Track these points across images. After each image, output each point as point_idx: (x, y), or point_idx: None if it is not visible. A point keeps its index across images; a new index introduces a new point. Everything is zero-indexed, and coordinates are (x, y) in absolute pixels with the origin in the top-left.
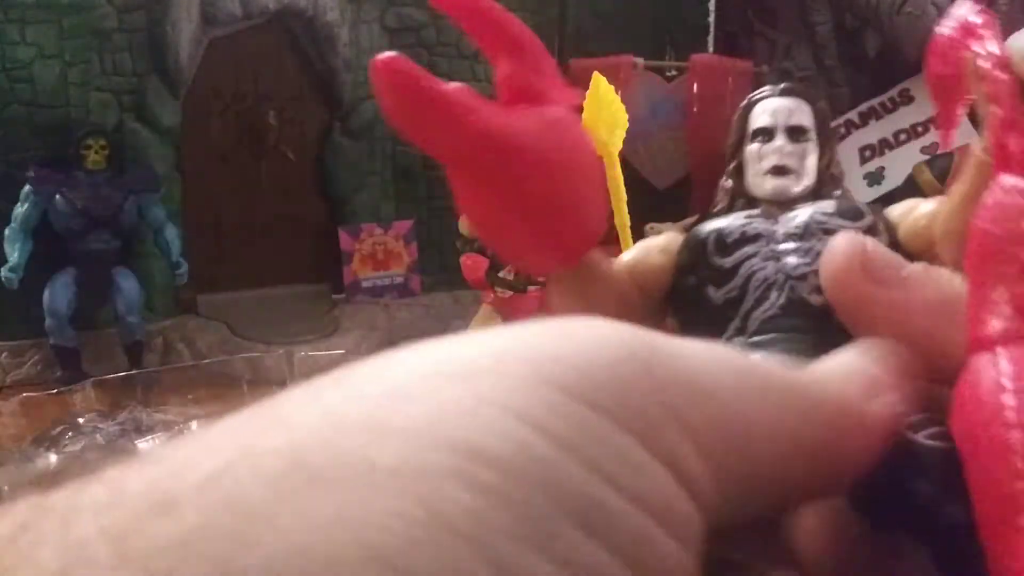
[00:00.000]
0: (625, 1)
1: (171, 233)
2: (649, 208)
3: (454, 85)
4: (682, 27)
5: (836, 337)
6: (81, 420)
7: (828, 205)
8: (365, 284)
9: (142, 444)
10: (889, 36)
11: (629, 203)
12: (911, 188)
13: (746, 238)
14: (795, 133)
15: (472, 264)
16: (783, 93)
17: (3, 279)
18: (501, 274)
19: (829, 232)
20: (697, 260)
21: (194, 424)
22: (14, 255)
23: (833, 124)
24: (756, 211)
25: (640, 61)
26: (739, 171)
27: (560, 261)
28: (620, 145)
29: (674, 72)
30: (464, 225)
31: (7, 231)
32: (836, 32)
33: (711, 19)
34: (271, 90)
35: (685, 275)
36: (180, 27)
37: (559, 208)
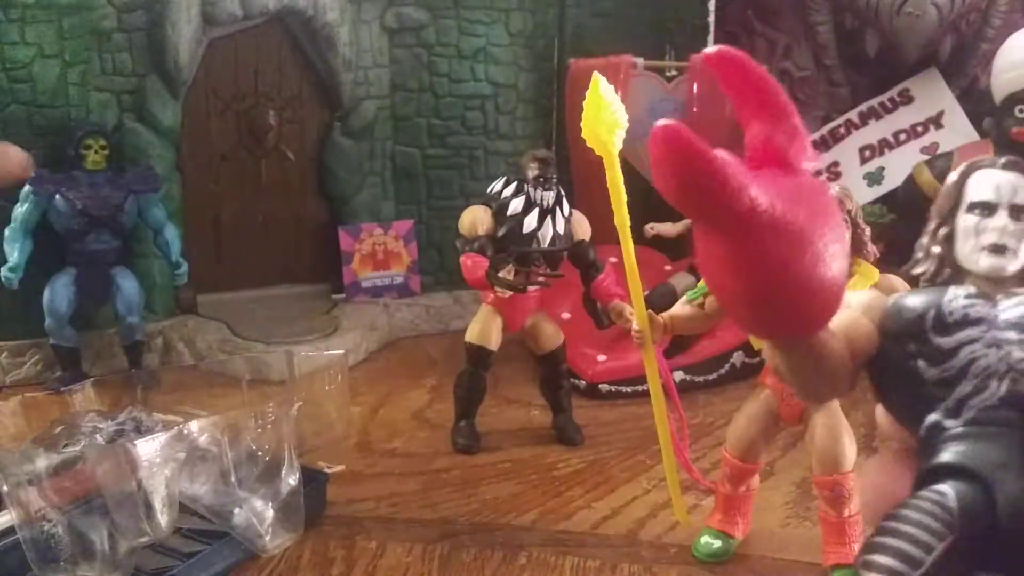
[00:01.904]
0: (625, 1)
1: (171, 233)
2: (649, 208)
3: (728, 157)
4: (682, 27)
5: None
6: (81, 420)
7: None
8: (365, 284)
9: (142, 444)
10: (889, 36)
11: (629, 203)
12: (911, 188)
13: (968, 321)
14: (1018, 212)
15: (472, 264)
16: (1006, 167)
17: (3, 279)
18: (501, 274)
19: None
20: (912, 334)
21: (194, 424)
22: (14, 255)
23: (833, 124)
24: (974, 291)
25: (640, 61)
26: (949, 239)
27: (805, 329)
28: (620, 145)
29: (674, 72)
30: (464, 224)
31: (7, 231)
32: (836, 32)
33: (711, 19)
34: (271, 90)
35: (895, 343)
36: (180, 27)
37: (810, 279)
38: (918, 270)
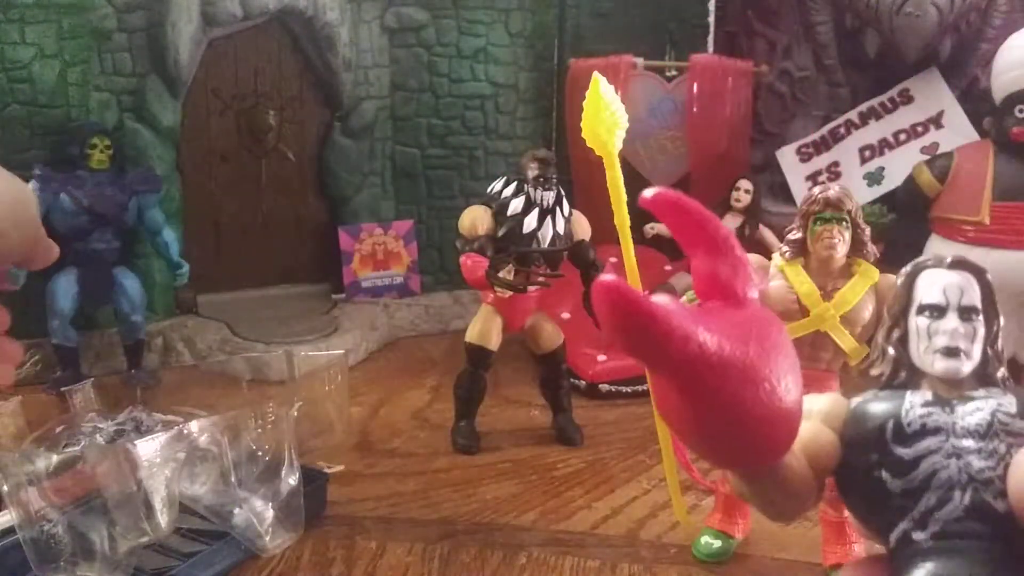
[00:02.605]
0: (625, 1)
1: (169, 235)
2: None
3: (667, 302)
4: (682, 27)
5: (1021, 542)
6: (81, 420)
7: (1009, 403)
8: (365, 284)
9: (142, 444)
10: (889, 36)
11: (629, 203)
12: (911, 188)
13: (926, 431)
14: (967, 313)
15: (472, 264)
16: (952, 267)
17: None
18: (501, 274)
19: (1012, 435)
20: (872, 443)
21: (194, 424)
22: None
23: (833, 124)
24: (930, 397)
25: (640, 61)
26: (903, 340)
27: (763, 461)
28: (620, 145)
29: (674, 72)
30: (464, 224)
31: None
32: (836, 32)
33: (711, 19)
34: (271, 90)
35: (857, 453)
36: (180, 27)
37: (766, 415)
38: (875, 371)
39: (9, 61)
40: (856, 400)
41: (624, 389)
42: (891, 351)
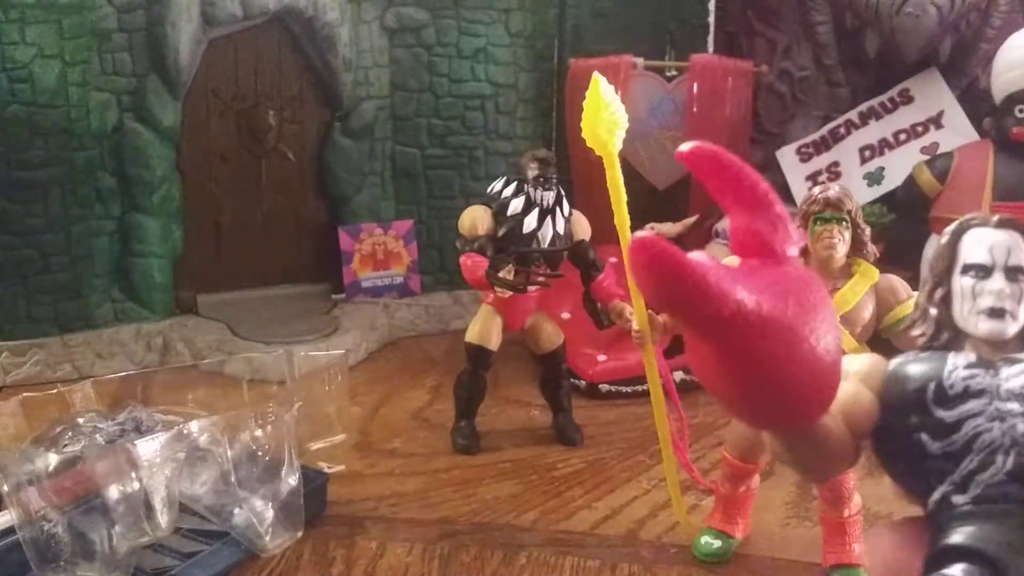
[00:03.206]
0: (625, 1)
1: None
2: (649, 208)
3: (704, 260)
4: (682, 27)
5: None
6: (81, 420)
7: None
8: (365, 284)
9: (142, 444)
10: (889, 36)
11: (629, 203)
12: (911, 188)
13: (969, 393)
14: (1013, 273)
15: (472, 264)
16: (1000, 226)
17: None
18: (501, 274)
19: None
20: (912, 405)
21: (194, 424)
22: None
23: (833, 124)
24: (974, 359)
25: (640, 61)
26: (946, 301)
27: (801, 420)
28: (620, 145)
29: (674, 72)
30: (464, 224)
31: None
32: (836, 32)
33: (711, 19)
34: (271, 90)
35: (896, 415)
36: (180, 27)
37: (804, 374)
38: (916, 332)
39: (9, 61)
40: (896, 361)
41: (624, 389)
42: (933, 311)
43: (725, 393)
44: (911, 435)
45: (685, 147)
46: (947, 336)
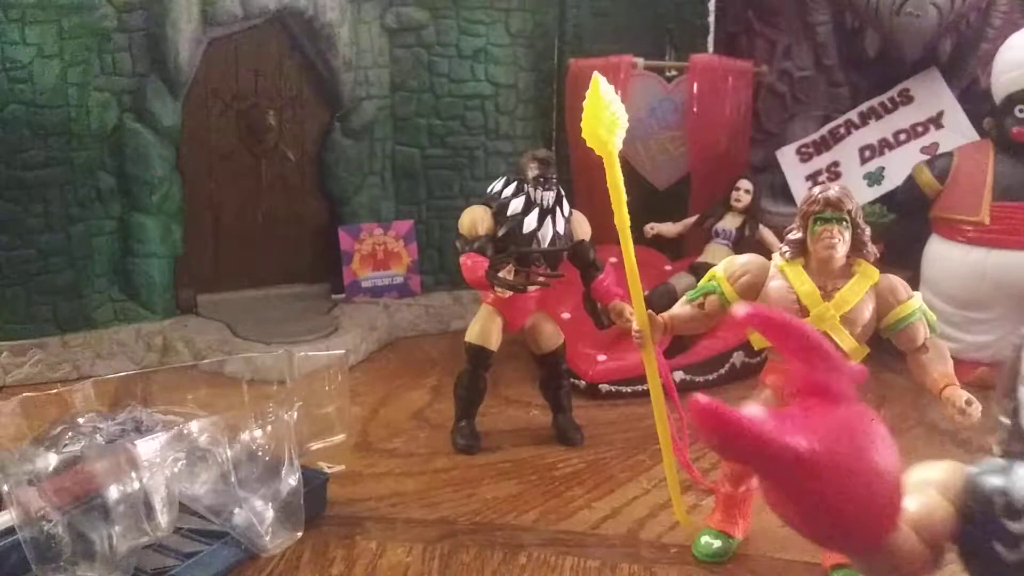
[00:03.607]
0: (625, 1)
1: None
2: (649, 208)
3: (759, 414)
4: (682, 27)
5: None
6: (81, 420)
7: None
8: (365, 284)
9: (142, 444)
10: (889, 36)
11: (629, 203)
12: (911, 188)
13: None
14: None
15: (472, 264)
16: None
17: None
18: (501, 274)
19: None
20: (985, 516)
21: (194, 424)
22: None
23: (833, 124)
24: None
25: (640, 61)
26: (1016, 412)
27: (866, 546)
28: (620, 145)
29: (674, 72)
30: (464, 225)
31: None
32: (836, 32)
33: (711, 19)
34: (271, 90)
35: (972, 525)
36: (180, 27)
37: (862, 508)
38: (992, 440)
39: (9, 61)
40: (972, 470)
41: (624, 389)
42: (1005, 421)
43: (794, 523)
44: (986, 544)
45: (739, 310)
46: (1019, 447)
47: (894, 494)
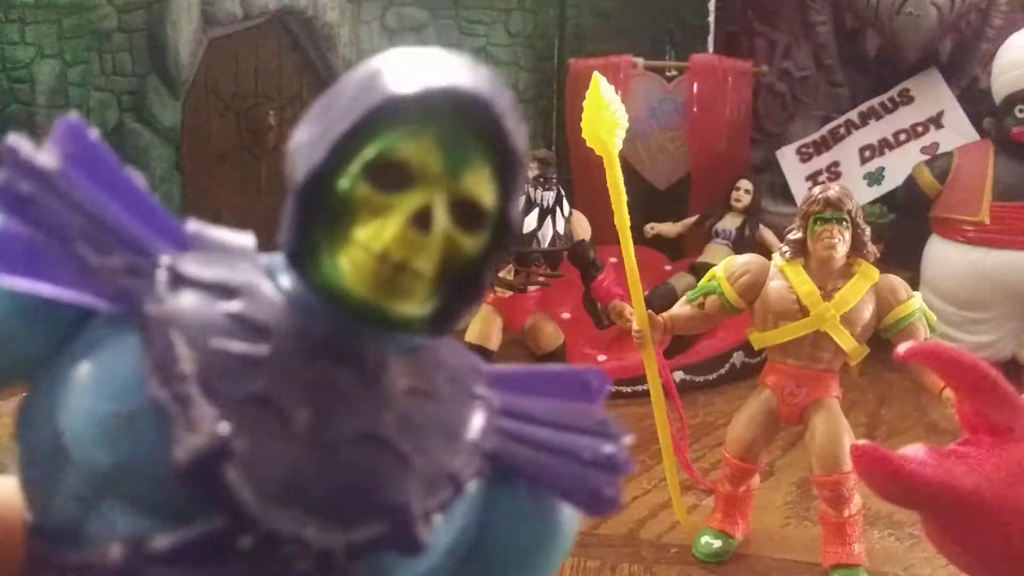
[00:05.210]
0: (625, 1)
1: None
2: (649, 208)
3: (919, 455)
4: (682, 27)
5: None
6: None
7: None
8: None
9: None
10: (889, 36)
11: (629, 203)
12: (911, 188)
13: None
14: None
15: None
16: None
17: None
18: (501, 274)
19: None
20: None
21: None
22: None
23: (833, 124)
24: None
25: (640, 61)
26: None
27: None
28: (620, 145)
29: (674, 72)
30: None
31: None
32: (836, 32)
33: (711, 19)
34: (271, 90)
35: None
36: (180, 27)
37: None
38: None
39: (9, 61)
40: None
41: (624, 389)
42: None
43: (955, 560)
44: None
45: (902, 349)
46: None
47: None
